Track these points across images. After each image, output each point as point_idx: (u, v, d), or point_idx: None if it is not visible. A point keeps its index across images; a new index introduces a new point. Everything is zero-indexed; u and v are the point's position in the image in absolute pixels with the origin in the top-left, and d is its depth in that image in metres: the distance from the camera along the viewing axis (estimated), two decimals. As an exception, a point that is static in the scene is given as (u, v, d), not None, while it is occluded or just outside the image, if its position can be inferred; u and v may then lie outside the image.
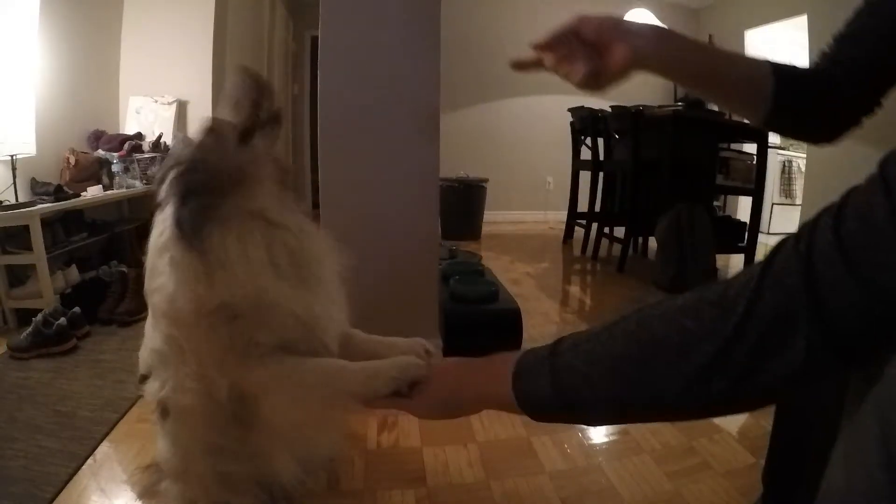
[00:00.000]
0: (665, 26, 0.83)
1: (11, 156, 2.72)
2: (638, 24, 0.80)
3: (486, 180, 5.40)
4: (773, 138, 4.80)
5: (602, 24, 0.79)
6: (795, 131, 0.91)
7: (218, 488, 1.03)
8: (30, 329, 2.28)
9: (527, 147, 6.37)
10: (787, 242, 0.56)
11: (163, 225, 0.92)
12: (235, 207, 0.90)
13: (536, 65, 0.85)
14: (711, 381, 0.56)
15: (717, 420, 1.81)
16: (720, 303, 0.57)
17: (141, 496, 1.31)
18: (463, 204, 5.18)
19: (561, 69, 0.82)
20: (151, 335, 1.03)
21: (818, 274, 0.51)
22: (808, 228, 0.55)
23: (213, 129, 0.95)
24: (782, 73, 0.84)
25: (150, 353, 1.04)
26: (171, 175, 0.91)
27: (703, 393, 0.57)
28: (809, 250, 0.53)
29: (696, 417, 0.67)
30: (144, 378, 1.06)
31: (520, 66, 0.87)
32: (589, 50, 0.79)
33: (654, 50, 0.80)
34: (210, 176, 0.89)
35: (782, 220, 5.64)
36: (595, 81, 0.80)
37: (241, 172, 0.93)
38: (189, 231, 0.85)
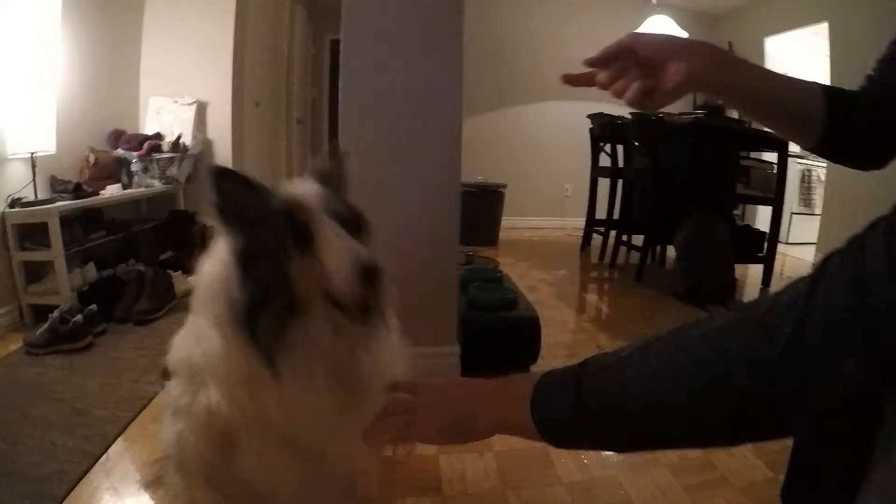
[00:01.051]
0: (712, 43, 0.80)
1: (31, 153, 2.74)
2: (692, 41, 0.79)
3: (504, 186, 5.37)
4: (794, 147, 4.75)
5: (657, 42, 0.78)
6: (847, 155, 0.88)
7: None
8: (46, 325, 2.29)
9: (545, 153, 6.33)
10: (834, 258, 0.53)
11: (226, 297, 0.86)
12: (308, 330, 0.86)
13: (588, 80, 0.84)
14: (753, 408, 0.54)
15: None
16: (765, 323, 0.54)
17: (147, 487, 1.32)
18: (481, 209, 5.15)
19: (613, 86, 0.80)
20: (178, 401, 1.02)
21: (870, 293, 0.48)
22: (857, 244, 0.52)
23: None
24: (833, 95, 0.82)
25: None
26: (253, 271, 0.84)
27: (744, 421, 0.55)
28: (860, 267, 0.50)
29: (733, 445, 0.64)
30: (166, 373, 1.06)
31: (571, 80, 0.85)
32: (641, 68, 0.78)
33: (709, 69, 0.78)
34: (291, 291, 0.84)
35: (801, 230, 5.57)
36: (647, 99, 0.78)
37: (327, 292, 0.86)
38: (260, 346, 0.82)
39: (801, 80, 0.83)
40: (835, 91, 0.82)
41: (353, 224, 0.93)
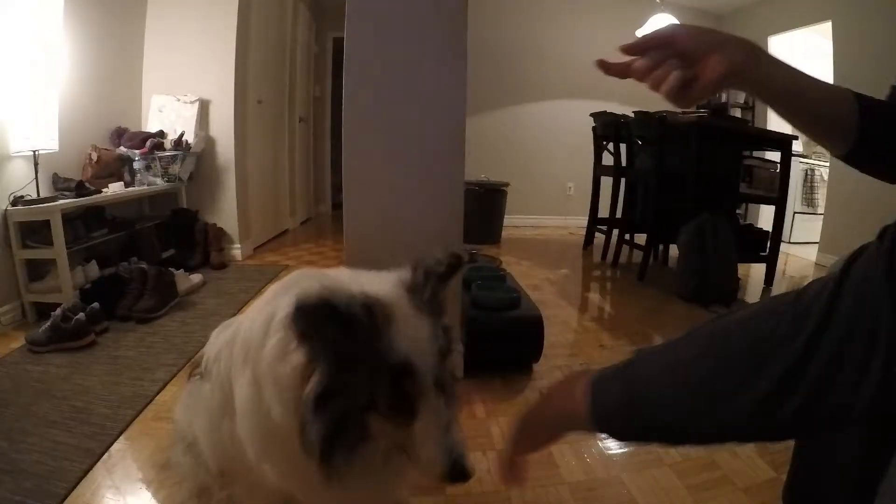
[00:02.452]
0: (750, 40, 0.78)
1: (34, 151, 2.74)
2: (732, 36, 0.76)
3: (507, 184, 5.37)
4: (797, 146, 4.74)
5: (697, 34, 0.76)
6: (879, 168, 0.86)
7: None
8: (48, 323, 2.28)
9: (548, 152, 6.33)
10: (870, 246, 0.54)
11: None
12: (367, 451, 0.82)
13: (622, 70, 0.81)
14: (788, 394, 0.55)
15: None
16: (796, 306, 0.56)
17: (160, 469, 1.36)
18: (483, 207, 5.16)
19: (650, 76, 0.78)
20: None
21: None
22: (890, 239, 0.52)
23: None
24: (864, 100, 0.81)
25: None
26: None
27: (778, 407, 0.56)
28: (892, 254, 0.50)
29: (765, 438, 0.64)
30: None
31: (605, 67, 0.82)
32: (679, 59, 0.76)
33: (748, 65, 0.76)
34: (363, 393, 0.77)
35: (804, 230, 5.56)
36: (684, 93, 0.76)
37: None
38: (318, 446, 0.76)
39: (835, 86, 0.81)
40: (868, 101, 0.81)
41: (450, 391, 0.85)
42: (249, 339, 0.89)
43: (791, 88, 0.79)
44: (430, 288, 0.86)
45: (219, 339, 1.06)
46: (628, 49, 0.79)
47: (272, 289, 0.98)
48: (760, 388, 0.56)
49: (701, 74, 0.74)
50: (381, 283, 0.85)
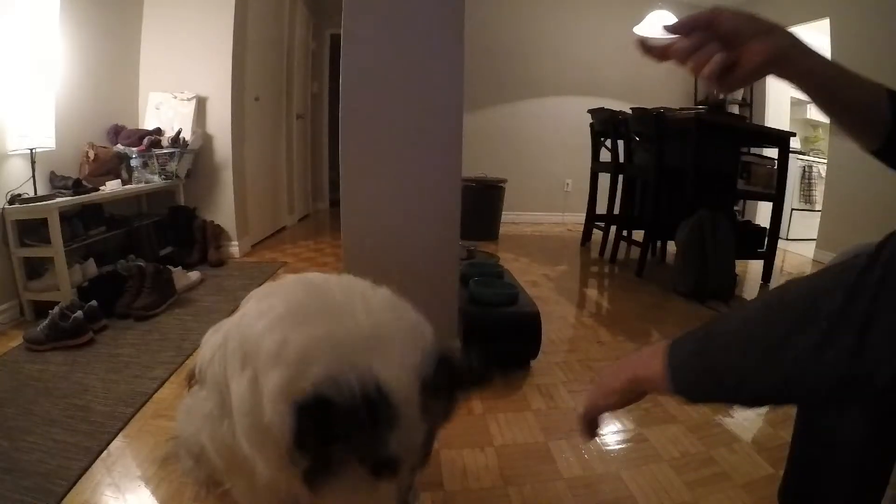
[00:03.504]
0: (788, 30, 0.77)
1: (31, 149, 2.73)
2: (773, 23, 0.75)
3: (504, 181, 5.37)
4: (795, 143, 4.74)
5: (742, 18, 0.75)
6: None
7: None
8: (46, 321, 2.28)
9: (546, 148, 6.34)
10: None
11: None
12: (348, 481, 0.82)
13: (661, 52, 0.80)
14: (839, 334, 0.58)
15: (737, 429, 1.79)
16: (844, 264, 0.61)
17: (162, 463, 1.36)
18: (481, 204, 5.16)
19: (692, 58, 0.77)
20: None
21: None
22: None
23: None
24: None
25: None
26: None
27: (833, 349, 0.59)
28: None
29: (821, 391, 0.65)
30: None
31: (646, 47, 0.81)
32: (721, 43, 0.75)
33: (790, 52, 0.75)
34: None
35: (802, 226, 5.58)
36: (725, 76, 0.75)
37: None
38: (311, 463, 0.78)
39: (871, 81, 0.80)
40: None
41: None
42: (246, 339, 0.89)
43: (830, 79, 0.78)
44: (444, 394, 0.86)
45: (211, 342, 1.05)
46: (672, 29, 0.78)
47: (266, 289, 1.00)
48: (811, 333, 0.60)
49: (743, 59, 0.74)
50: (397, 358, 0.81)
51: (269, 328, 0.85)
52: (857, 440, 0.86)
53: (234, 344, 0.93)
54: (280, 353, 0.80)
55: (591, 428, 0.86)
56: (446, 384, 0.85)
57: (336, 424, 0.73)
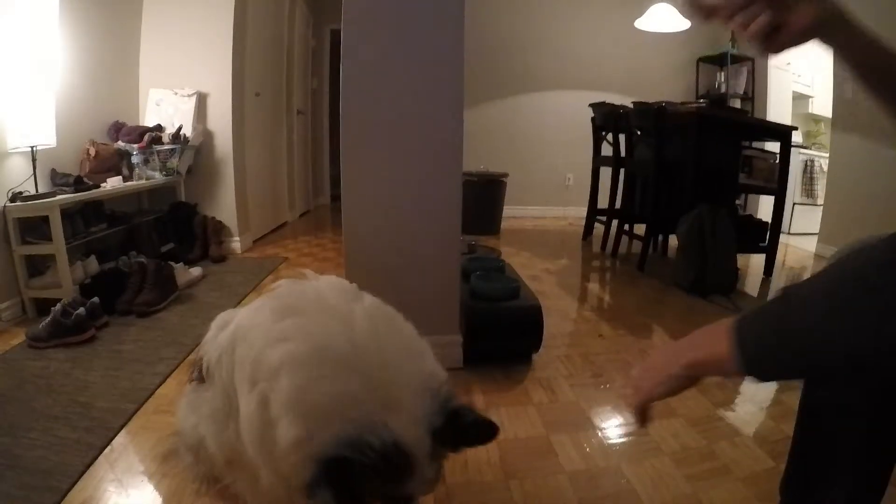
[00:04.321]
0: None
1: (32, 147, 2.73)
2: None
3: (505, 175, 5.36)
4: (796, 137, 4.72)
5: None
6: None
7: None
8: (48, 319, 2.29)
9: (547, 142, 6.32)
10: None
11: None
12: None
13: (709, 10, 0.79)
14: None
15: (738, 423, 1.78)
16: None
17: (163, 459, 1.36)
18: (482, 198, 5.15)
19: (738, 16, 0.76)
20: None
21: None
22: None
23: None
24: None
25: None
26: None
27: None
28: None
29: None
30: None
31: (694, 4, 0.80)
32: (767, 5, 0.74)
33: (837, 18, 0.75)
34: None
35: (804, 221, 5.56)
36: (772, 38, 0.75)
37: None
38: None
39: None
40: None
41: None
42: (258, 363, 0.88)
43: (874, 52, 0.78)
44: (450, 447, 0.88)
45: (219, 340, 1.04)
46: None
47: (277, 292, 0.99)
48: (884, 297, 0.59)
49: (789, 21, 0.73)
50: (412, 413, 0.82)
51: (285, 366, 0.83)
52: (860, 433, 0.86)
53: (243, 355, 0.92)
54: (297, 402, 0.81)
55: (643, 417, 0.85)
56: (456, 437, 0.88)
57: (355, 482, 0.75)
